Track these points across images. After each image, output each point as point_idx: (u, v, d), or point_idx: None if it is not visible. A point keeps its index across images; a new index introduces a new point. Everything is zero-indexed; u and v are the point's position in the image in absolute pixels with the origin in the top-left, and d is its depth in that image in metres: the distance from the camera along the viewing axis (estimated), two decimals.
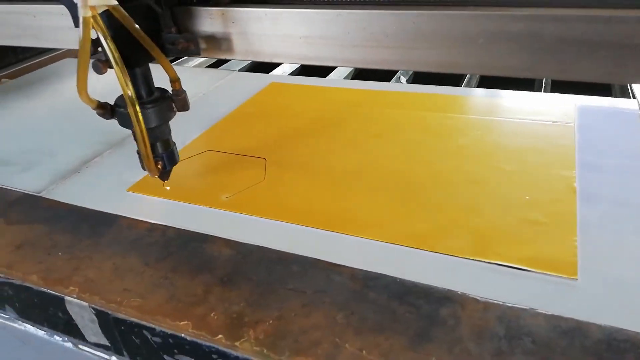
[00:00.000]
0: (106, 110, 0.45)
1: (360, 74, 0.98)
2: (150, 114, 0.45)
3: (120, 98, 0.45)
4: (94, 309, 0.41)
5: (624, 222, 0.45)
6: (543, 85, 0.87)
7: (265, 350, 0.35)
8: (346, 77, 0.95)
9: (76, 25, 0.39)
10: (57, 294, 0.42)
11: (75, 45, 0.51)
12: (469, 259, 0.42)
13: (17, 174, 0.60)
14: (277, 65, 1.00)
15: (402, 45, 0.37)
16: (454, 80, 0.89)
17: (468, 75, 0.91)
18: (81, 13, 0.37)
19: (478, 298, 0.38)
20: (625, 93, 0.79)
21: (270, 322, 0.37)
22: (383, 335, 0.35)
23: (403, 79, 0.93)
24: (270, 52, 0.42)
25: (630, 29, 0.31)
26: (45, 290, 0.43)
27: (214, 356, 0.37)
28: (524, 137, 0.59)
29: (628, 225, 0.44)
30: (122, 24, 0.39)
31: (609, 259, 0.41)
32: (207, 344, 0.37)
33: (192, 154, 0.61)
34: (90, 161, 0.62)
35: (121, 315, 0.40)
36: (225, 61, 1.05)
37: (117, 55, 0.39)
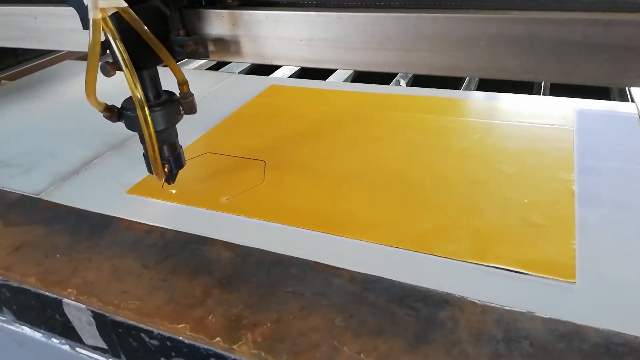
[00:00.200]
0: (113, 113, 0.45)
1: (359, 77, 0.98)
2: (158, 117, 0.44)
3: (127, 101, 0.45)
4: (91, 311, 0.41)
5: (622, 225, 0.45)
6: (542, 88, 0.88)
7: (263, 354, 0.35)
8: (346, 80, 0.95)
9: (85, 27, 0.39)
10: (55, 296, 0.42)
11: (76, 47, 0.52)
12: (467, 261, 0.42)
13: (17, 176, 0.60)
14: (277, 67, 1.00)
15: (403, 48, 0.38)
16: (453, 83, 0.89)
17: (467, 78, 0.91)
18: (91, 15, 0.36)
19: (476, 301, 0.38)
20: (623, 96, 0.79)
21: (269, 324, 0.37)
22: (382, 338, 0.35)
23: (402, 82, 0.93)
24: (273, 54, 0.42)
25: (630, 32, 0.31)
26: (43, 292, 0.43)
27: (212, 359, 0.37)
28: (523, 140, 0.59)
29: (626, 228, 0.44)
30: (131, 26, 0.39)
31: (607, 262, 0.41)
32: (205, 347, 0.36)
33: (191, 156, 0.61)
34: (90, 163, 0.62)
35: (119, 318, 0.40)
36: (226, 63, 1.05)
37: (126, 57, 0.38)
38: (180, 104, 0.46)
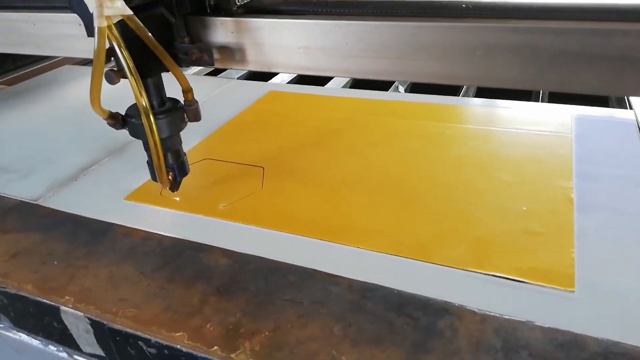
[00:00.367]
0: (117, 120, 0.44)
1: (358, 83, 0.98)
2: (163, 124, 0.44)
3: (132, 108, 0.44)
4: (89, 319, 0.41)
5: (621, 232, 0.45)
6: (540, 95, 0.88)
7: None
8: (344, 86, 0.96)
9: (89, 35, 0.39)
10: (53, 303, 0.42)
11: (74, 53, 0.52)
12: (466, 270, 0.42)
13: (16, 181, 0.60)
14: (275, 73, 1.00)
15: (401, 57, 0.38)
16: (451, 89, 0.89)
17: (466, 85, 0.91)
18: (97, 23, 0.36)
19: (475, 310, 0.38)
20: (622, 103, 0.79)
21: (267, 333, 0.37)
22: (380, 347, 0.35)
23: (401, 88, 0.93)
24: (277, 62, 0.42)
25: (629, 42, 0.31)
26: (41, 299, 0.43)
27: None
28: (521, 147, 0.59)
29: (625, 235, 0.44)
30: (136, 33, 0.39)
31: (606, 270, 0.41)
32: (203, 355, 0.36)
33: (190, 162, 0.60)
34: (88, 168, 0.62)
35: (116, 326, 0.39)
36: (225, 69, 1.06)
37: (132, 64, 0.38)
38: (184, 111, 0.46)
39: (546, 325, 0.36)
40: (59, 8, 0.49)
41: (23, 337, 0.48)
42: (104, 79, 0.40)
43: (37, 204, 0.55)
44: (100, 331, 0.41)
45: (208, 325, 0.38)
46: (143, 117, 0.41)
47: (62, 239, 0.49)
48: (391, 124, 0.67)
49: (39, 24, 0.51)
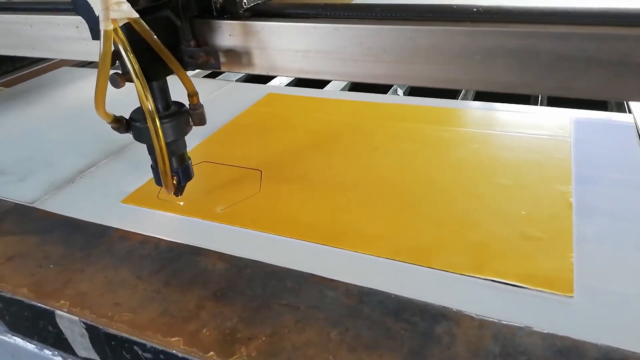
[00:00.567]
0: (121, 124, 0.44)
1: (357, 86, 0.98)
2: (168, 128, 0.44)
3: (136, 112, 0.44)
4: (84, 323, 0.40)
5: (620, 237, 0.44)
6: (539, 98, 0.88)
7: None
8: (343, 89, 0.95)
9: (95, 38, 0.38)
10: (48, 307, 0.42)
11: (71, 55, 0.52)
12: (464, 274, 0.41)
13: (12, 184, 0.60)
14: (274, 76, 1.00)
15: (399, 60, 0.37)
16: (450, 92, 0.89)
17: None
18: (102, 26, 0.36)
19: (474, 315, 0.37)
20: (621, 107, 0.79)
21: (263, 338, 0.37)
22: (377, 353, 0.35)
23: (400, 91, 0.93)
24: (282, 66, 0.42)
25: (628, 46, 0.31)
26: (36, 303, 0.42)
27: None
28: (520, 151, 0.59)
29: (624, 240, 0.44)
30: (141, 36, 0.38)
31: (605, 275, 0.41)
32: None
33: None
34: (86, 171, 0.61)
35: (112, 330, 0.39)
36: (222, 71, 1.05)
37: (137, 68, 0.38)
38: (189, 115, 0.46)
39: (545, 331, 0.36)
40: (63, 10, 0.49)
41: (18, 341, 0.48)
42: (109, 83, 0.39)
43: (33, 207, 0.55)
44: (96, 335, 0.40)
45: (204, 330, 0.38)
46: (149, 121, 0.40)
47: (58, 243, 0.49)
48: (390, 127, 0.67)
49: (36, 26, 0.51)
